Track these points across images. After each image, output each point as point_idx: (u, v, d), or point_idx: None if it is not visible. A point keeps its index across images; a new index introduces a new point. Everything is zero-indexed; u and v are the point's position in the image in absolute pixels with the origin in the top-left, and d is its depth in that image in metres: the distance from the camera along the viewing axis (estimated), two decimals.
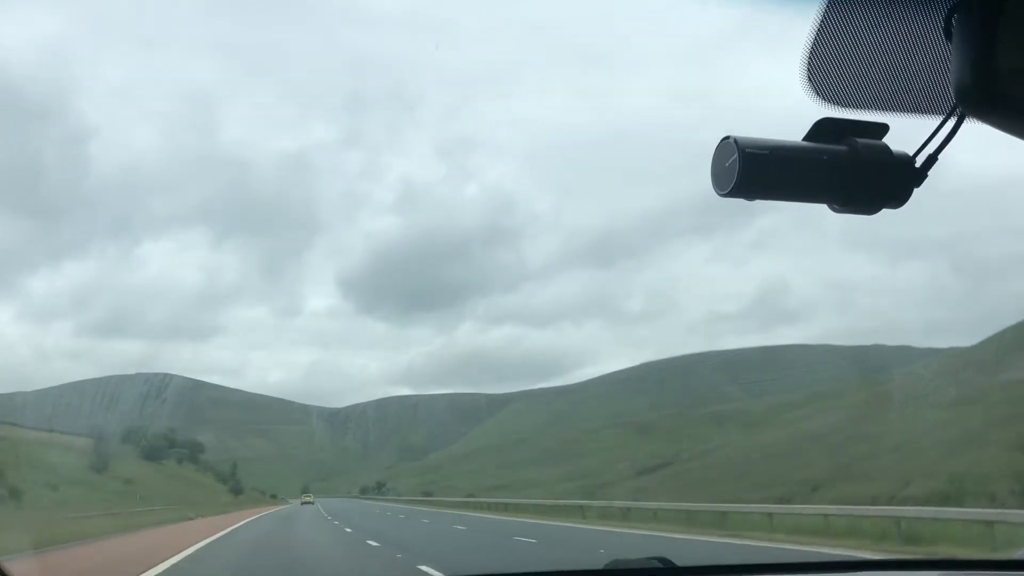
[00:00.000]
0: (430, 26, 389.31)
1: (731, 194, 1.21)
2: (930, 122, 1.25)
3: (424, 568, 14.33)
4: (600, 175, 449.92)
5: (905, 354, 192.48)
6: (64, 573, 15.73)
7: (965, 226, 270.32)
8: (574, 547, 23.19)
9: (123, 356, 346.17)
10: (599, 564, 2.26)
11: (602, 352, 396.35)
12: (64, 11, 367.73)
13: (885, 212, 1.29)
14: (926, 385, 79.65)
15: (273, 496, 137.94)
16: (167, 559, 19.38)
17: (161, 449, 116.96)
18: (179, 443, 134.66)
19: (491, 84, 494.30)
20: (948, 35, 1.17)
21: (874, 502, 38.50)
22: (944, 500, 34.26)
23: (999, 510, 24.31)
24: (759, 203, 1.28)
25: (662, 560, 2.23)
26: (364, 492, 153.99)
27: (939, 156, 1.26)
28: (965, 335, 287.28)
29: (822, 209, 1.29)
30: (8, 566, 1.44)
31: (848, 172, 1.25)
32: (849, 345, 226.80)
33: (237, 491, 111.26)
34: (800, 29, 1.22)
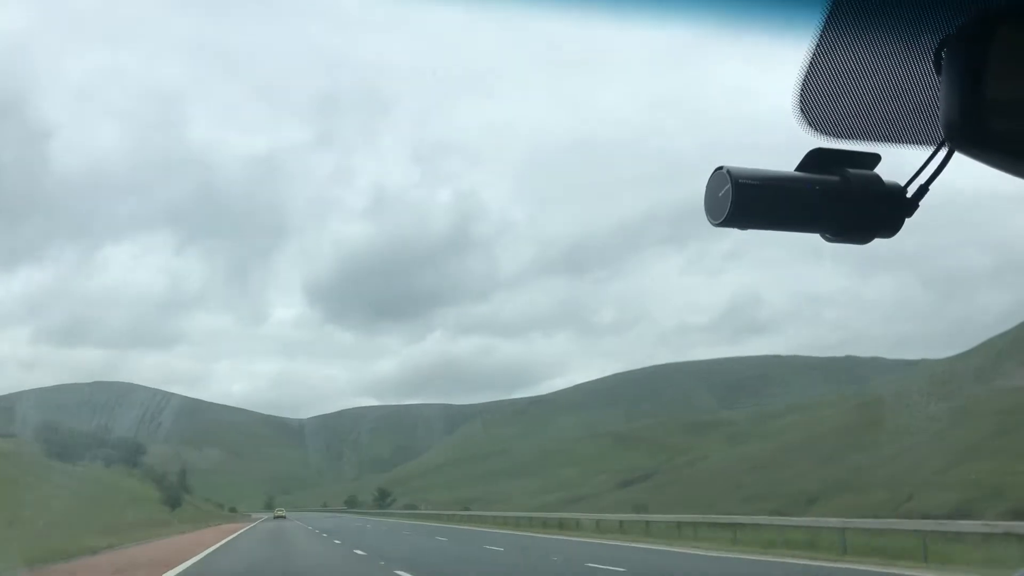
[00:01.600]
0: (406, 26, 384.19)
1: (724, 224, 1.22)
2: (922, 153, 1.26)
3: None
4: (575, 183, 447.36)
5: (877, 365, 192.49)
6: None
7: (934, 241, 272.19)
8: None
9: (82, 364, 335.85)
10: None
11: (571, 363, 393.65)
12: (24, 3, 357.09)
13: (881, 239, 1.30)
14: (913, 395, 78.42)
15: (232, 510, 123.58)
16: None
17: (80, 447, 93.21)
18: (111, 443, 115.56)
19: (468, 88, 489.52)
20: (938, 68, 1.19)
21: (876, 515, 35.91)
22: (961, 513, 31.84)
23: None
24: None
25: None
26: (351, 504, 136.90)
27: (930, 187, 1.27)
28: (934, 347, 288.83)
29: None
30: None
31: (840, 202, 1.26)
32: (821, 356, 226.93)
33: (174, 503, 79.24)
34: (791, 59, 1.22)
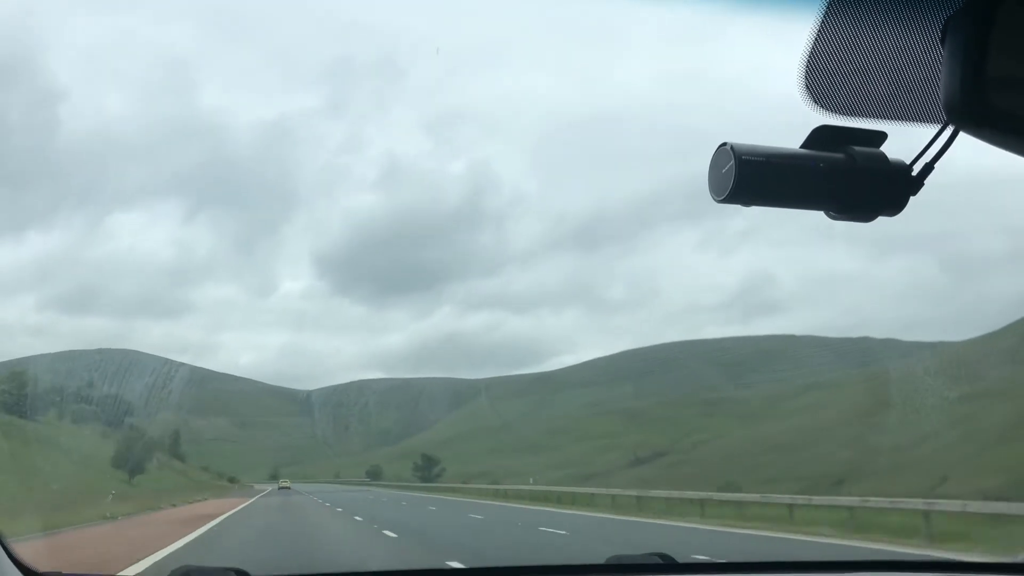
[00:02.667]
0: None
1: (727, 200, 1.24)
2: (927, 131, 1.28)
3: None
4: (589, 157, 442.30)
5: (893, 347, 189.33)
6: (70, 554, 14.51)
7: (952, 223, 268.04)
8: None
9: (88, 333, 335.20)
10: (601, 558, 2.30)
11: (579, 340, 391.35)
12: None
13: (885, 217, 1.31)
14: (935, 377, 76.36)
15: (232, 480, 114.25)
16: None
17: (47, 405, 76.34)
18: (95, 400, 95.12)
19: (482, 57, 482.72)
20: (944, 45, 1.21)
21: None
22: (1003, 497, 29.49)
23: None
24: None
25: (662, 556, 2.26)
26: (373, 477, 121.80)
27: (935, 165, 1.28)
28: (950, 330, 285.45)
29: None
30: (16, 549, 1.41)
31: (845, 180, 1.27)
32: (836, 337, 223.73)
33: (135, 470, 62.71)
34: (797, 34, 1.22)
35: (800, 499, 27.95)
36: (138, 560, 14.80)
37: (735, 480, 59.62)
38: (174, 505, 42.11)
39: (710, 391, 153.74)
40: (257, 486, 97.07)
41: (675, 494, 36.71)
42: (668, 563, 2.35)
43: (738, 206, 1.26)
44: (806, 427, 78.53)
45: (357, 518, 29.11)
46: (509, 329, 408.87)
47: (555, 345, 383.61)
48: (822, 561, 2.90)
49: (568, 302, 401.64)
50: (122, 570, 11.84)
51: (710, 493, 37.21)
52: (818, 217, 1.30)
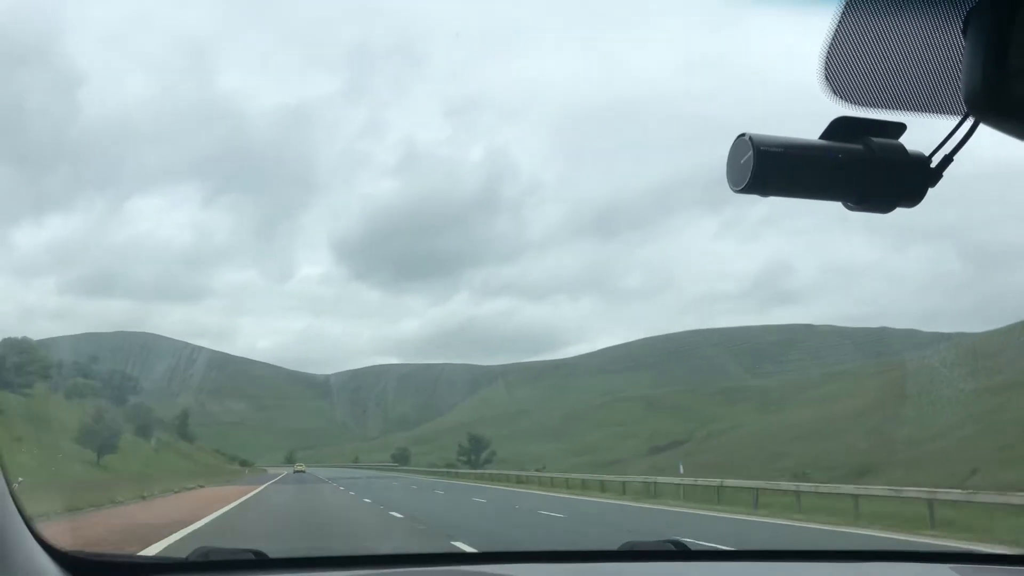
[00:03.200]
0: None
1: (745, 190, 1.24)
2: (947, 122, 1.27)
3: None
4: (608, 144, 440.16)
5: (913, 338, 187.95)
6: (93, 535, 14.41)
7: (972, 214, 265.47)
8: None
9: (108, 316, 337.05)
10: (614, 545, 2.31)
11: (594, 328, 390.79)
12: None
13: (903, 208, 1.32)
14: (957, 368, 75.44)
15: (244, 463, 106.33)
16: None
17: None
18: (102, 378, 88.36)
19: (502, 42, 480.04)
20: (966, 36, 1.20)
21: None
22: None
23: None
24: None
25: (675, 543, 2.32)
26: (401, 461, 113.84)
27: (955, 156, 1.28)
28: (968, 322, 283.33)
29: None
30: (42, 529, 1.48)
31: (863, 171, 1.27)
32: (855, 327, 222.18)
33: (104, 448, 53.68)
34: (818, 24, 1.23)
35: (806, 486, 27.70)
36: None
37: (755, 469, 59.13)
38: (144, 497, 31.35)
39: (728, 380, 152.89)
40: (272, 470, 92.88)
41: (687, 481, 35.95)
42: (681, 550, 2.39)
43: (757, 197, 1.25)
44: (828, 417, 77.78)
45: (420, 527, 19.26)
46: (525, 316, 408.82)
47: (571, 333, 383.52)
48: (834, 551, 2.79)
49: (584, 290, 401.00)
50: (142, 550, 11.81)
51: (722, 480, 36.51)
52: (838, 206, 1.31)
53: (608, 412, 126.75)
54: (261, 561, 2.01)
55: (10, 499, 1.39)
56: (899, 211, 1.32)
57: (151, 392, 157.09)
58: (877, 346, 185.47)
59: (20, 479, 32.74)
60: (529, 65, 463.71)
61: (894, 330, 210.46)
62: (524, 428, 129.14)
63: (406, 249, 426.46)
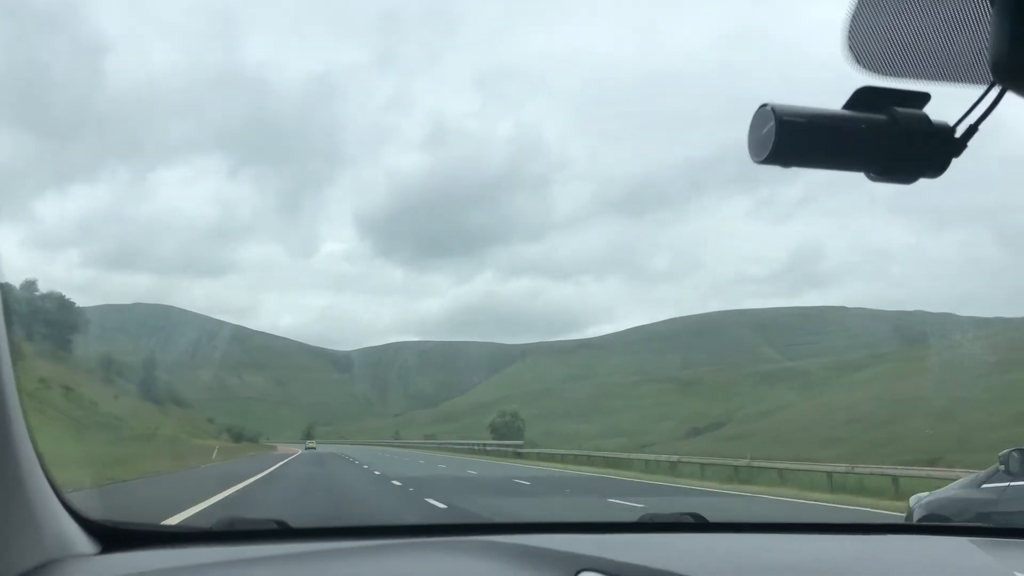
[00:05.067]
0: None
1: (767, 161, 1.23)
2: (972, 92, 1.24)
3: None
4: (642, 118, 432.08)
5: (949, 321, 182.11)
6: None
7: (1008, 196, 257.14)
8: None
9: (132, 289, 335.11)
10: (634, 517, 2.43)
11: (618, 309, 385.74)
12: None
13: (927, 180, 1.29)
14: (1006, 352, 72.12)
15: (238, 438, 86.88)
16: None
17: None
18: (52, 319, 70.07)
19: (535, 10, 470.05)
20: (992, 2, 1.17)
21: None
22: None
23: None
24: None
25: (694, 516, 2.40)
26: (430, 438, 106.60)
27: (980, 126, 1.26)
28: (1004, 306, 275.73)
29: (861, 174, 1.26)
30: (74, 500, 1.61)
31: (887, 141, 1.26)
32: (890, 310, 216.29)
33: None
34: None
35: (841, 466, 26.84)
36: None
37: (815, 454, 54.78)
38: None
39: (763, 362, 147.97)
40: (283, 448, 77.79)
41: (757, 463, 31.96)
42: (699, 522, 2.39)
43: (795, 173, 1.17)
44: (880, 400, 73.23)
45: None
46: (550, 296, 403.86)
47: (595, 313, 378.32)
48: (855, 524, 2.68)
49: (610, 270, 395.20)
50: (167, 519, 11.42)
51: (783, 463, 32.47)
52: (874, 188, 1.27)
53: (639, 393, 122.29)
54: (284, 530, 2.09)
55: (40, 469, 1.47)
56: (933, 192, 1.26)
57: (167, 365, 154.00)
58: (913, 329, 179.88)
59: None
60: (562, 35, 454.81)
61: (930, 313, 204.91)
62: (552, 408, 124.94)
63: (431, 226, 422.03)
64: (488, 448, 68.68)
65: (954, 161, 1.28)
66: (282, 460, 43.78)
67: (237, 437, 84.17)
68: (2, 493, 1.31)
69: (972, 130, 1.25)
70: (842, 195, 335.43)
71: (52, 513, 1.51)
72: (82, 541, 1.64)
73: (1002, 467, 6.65)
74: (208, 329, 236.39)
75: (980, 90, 1.23)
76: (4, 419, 1.27)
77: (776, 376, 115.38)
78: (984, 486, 6.81)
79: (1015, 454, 6.40)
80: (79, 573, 1.50)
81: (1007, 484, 6.26)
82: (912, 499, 7.82)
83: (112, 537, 1.76)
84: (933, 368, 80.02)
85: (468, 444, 69.70)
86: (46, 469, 1.50)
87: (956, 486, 7.36)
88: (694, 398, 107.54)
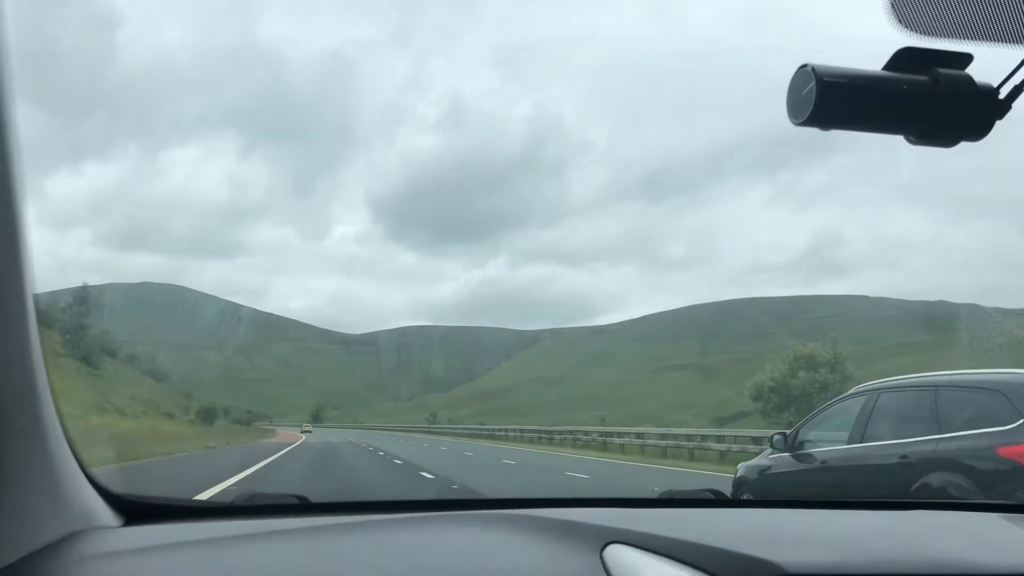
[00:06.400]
0: None
1: (807, 123, 1.21)
2: (1018, 52, 1.21)
3: None
4: (664, 100, 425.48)
5: (975, 312, 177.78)
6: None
7: None
8: None
9: (141, 270, 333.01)
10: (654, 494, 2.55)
11: (633, 296, 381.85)
12: None
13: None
14: None
15: (241, 422, 79.48)
16: None
17: None
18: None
19: None
20: None
21: None
22: None
23: None
24: (834, 138, 1.29)
25: (715, 492, 2.51)
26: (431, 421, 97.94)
27: None
28: None
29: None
30: (101, 477, 1.71)
31: (928, 103, 1.23)
32: (913, 300, 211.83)
33: None
34: None
35: None
36: None
37: None
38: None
39: (785, 349, 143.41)
40: (284, 435, 64.32)
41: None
42: (719, 499, 2.49)
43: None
44: None
45: None
46: (564, 282, 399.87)
47: (608, 301, 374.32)
48: (879, 500, 2.98)
49: (626, 257, 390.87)
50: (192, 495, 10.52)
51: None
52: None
53: (660, 380, 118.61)
54: (304, 505, 2.13)
55: (66, 445, 1.53)
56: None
57: (175, 345, 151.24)
58: (939, 320, 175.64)
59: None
60: (583, 12, 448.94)
61: (955, 304, 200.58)
62: (569, 394, 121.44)
63: (445, 210, 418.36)
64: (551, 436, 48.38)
65: (980, 144, 1.24)
66: (261, 460, 25.36)
67: (210, 418, 70.50)
68: (33, 468, 1.38)
69: (1017, 91, 1.22)
70: (863, 184, 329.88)
71: (78, 487, 1.58)
72: (106, 514, 1.70)
73: (770, 446, 7.75)
74: (218, 309, 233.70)
75: None
76: (35, 400, 1.35)
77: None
78: (770, 456, 7.73)
79: (777, 436, 7.59)
80: (103, 544, 1.56)
81: (778, 455, 7.48)
82: (739, 465, 8.65)
83: (135, 511, 1.80)
84: (965, 357, 76.45)
85: (533, 431, 51.04)
86: (73, 446, 1.56)
87: (763, 455, 8.12)
88: (716, 385, 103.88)
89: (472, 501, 2.28)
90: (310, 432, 73.16)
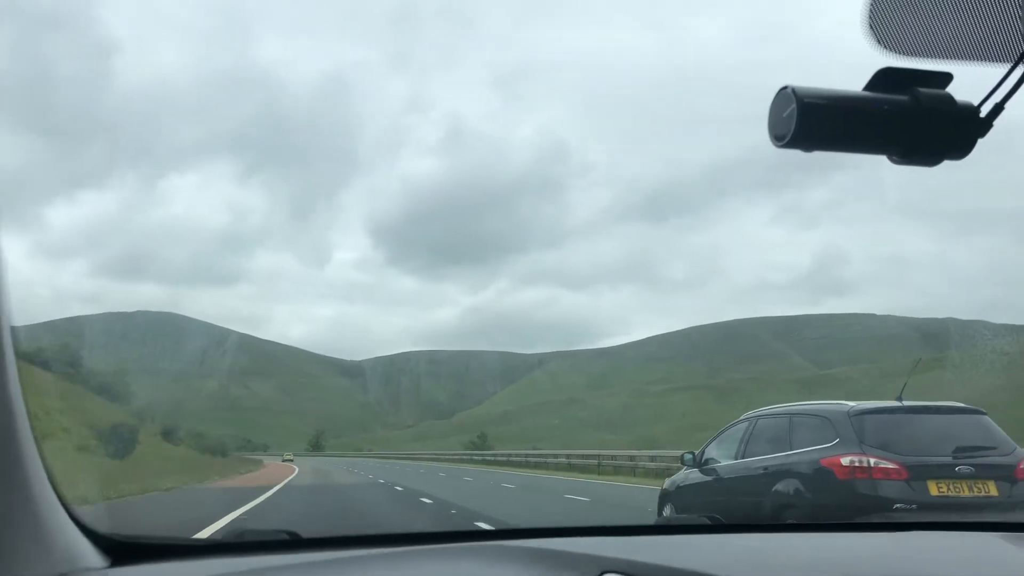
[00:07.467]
0: None
1: (788, 145, 1.21)
2: (997, 70, 1.21)
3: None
4: (665, 120, 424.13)
5: (982, 329, 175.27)
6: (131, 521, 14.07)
7: None
8: None
9: (138, 299, 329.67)
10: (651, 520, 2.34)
11: (634, 318, 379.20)
12: None
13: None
14: None
15: (216, 454, 58.80)
16: None
17: None
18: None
19: (556, 5, 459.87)
20: None
21: None
22: None
23: None
24: (836, 156, 1.25)
25: (711, 517, 2.51)
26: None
27: (1006, 105, 1.23)
28: None
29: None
30: (83, 515, 1.66)
31: (910, 123, 1.23)
32: (919, 317, 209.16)
33: None
34: None
35: None
36: None
37: None
38: None
39: (797, 369, 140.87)
40: (271, 469, 47.87)
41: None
42: (716, 524, 2.48)
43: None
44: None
45: None
46: (565, 305, 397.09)
47: (610, 323, 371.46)
48: (876, 522, 2.93)
49: (627, 278, 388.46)
50: (181, 535, 6.01)
51: None
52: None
53: (668, 402, 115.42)
54: (296, 541, 2.10)
55: (48, 484, 1.48)
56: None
57: (172, 374, 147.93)
58: (948, 337, 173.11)
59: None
60: (583, 32, 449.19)
61: (962, 320, 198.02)
62: (577, 418, 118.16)
63: (446, 233, 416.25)
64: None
65: (979, 158, 1.21)
66: (286, 480, 23.26)
67: (217, 454, 58.40)
68: (11, 507, 1.32)
69: (998, 109, 1.22)
70: (865, 201, 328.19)
71: (61, 527, 1.52)
72: (91, 555, 1.63)
73: (681, 463, 8.98)
74: (214, 337, 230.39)
75: (1005, 68, 1.20)
76: (12, 434, 1.30)
77: (817, 384, 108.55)
78: (685, 471, 8.81)
79: (687, 455, 8.66)
80: None
81: (689, 470, 8.64)
82: (665, 480, 9.78)
83: (122, 551, 1.74)
84: (979, 375, 74.10)
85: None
86: (54, 483, 1.51)
87: (681, 471, 9.03)
88: (729, 408, 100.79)
89: (467, 533, 2.21)
90: (291, 461, 68.25)
